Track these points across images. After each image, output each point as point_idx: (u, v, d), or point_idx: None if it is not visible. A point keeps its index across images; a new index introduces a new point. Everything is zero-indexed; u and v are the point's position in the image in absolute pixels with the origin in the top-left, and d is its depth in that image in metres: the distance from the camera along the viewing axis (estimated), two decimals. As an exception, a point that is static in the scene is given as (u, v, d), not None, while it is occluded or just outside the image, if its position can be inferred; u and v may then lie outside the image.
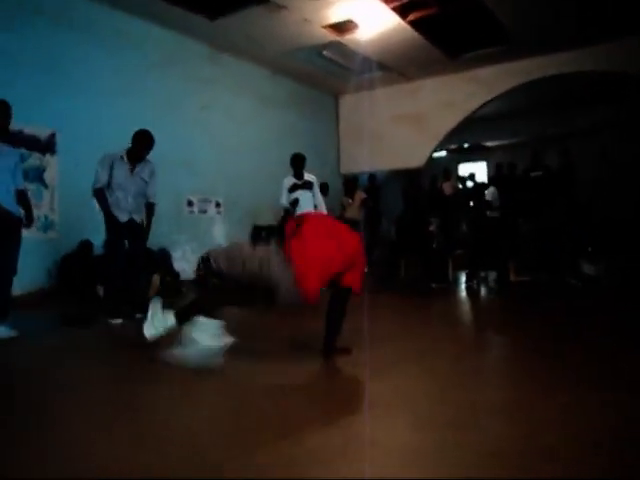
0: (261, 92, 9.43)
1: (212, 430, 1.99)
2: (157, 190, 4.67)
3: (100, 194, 4.39)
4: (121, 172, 4.39)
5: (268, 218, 8.05)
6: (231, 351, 3.12)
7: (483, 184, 9.01)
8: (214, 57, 8.43)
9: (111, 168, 4.35)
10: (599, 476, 1.52)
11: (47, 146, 6.06)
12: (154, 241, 6.15)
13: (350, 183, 9.15)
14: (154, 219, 4.78)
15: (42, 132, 6.00)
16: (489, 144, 13.96)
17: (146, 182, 4.52)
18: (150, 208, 4.66)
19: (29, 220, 4.02)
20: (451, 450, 1.69)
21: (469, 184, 8.85)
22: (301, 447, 1.77)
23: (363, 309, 4.43)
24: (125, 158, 4.41)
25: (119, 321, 4.38)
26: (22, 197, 3.99)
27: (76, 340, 3.92)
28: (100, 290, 5.30)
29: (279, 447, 1.77)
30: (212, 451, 1.78)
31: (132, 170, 4.44)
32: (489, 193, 7.27)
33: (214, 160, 8.30)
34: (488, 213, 6.97)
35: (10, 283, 3.95)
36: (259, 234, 7.50)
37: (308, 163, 6.47)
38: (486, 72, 9.59)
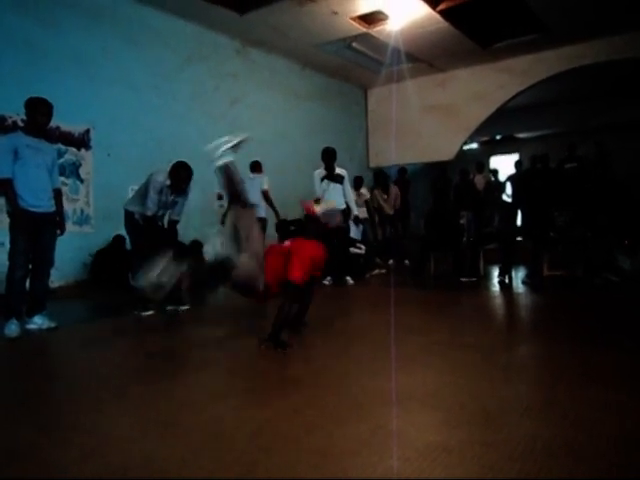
0: (290, 86, 9.44)
1: (239, 422, 2.02)
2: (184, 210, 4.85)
3: (151, 221, 4.54)
4: (164, 198, 4.54)
5: (296, 212, 8.08)
6: (255, 342, 3.15)
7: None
8: (243, 52, 8.48)
9: (160, 193, 4.48)
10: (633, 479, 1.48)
11: (82, 141, 6.22)
12: (185, 234, 6.27)
13: (383, 177, 9.10)
14: (185, 211, 4.93)
15: (77, 128, 6.15)
16: (521, 135, 13.65)
17: (177, 202, 4.68)
18: (173, 225, 4.82)
19: (61, 228, 4.11)
20: (477, 448, 1.67)
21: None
22: (329, 439, 1.78)
23: (392, 303, 4.41)
24: (169, 189, 4.52)
25: (150, 313, 4.48)
26: (58, 198, 4.09)
27: (110, 331, 4.02)
28: (132, 280, 5.41)
29: (308, 438, 1.78)
30: (242, 444, 1.80)
31: (174, 199, 4.62)
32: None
33: (243, 154, 8.29)
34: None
35: (48, 275, 4.08)
36: (287, 228, 7.51)
37: (337, 157, 6.45)
38: (519, 62, 9.36)
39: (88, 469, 1.61)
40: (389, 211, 8.81)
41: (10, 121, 5.45)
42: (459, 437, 1.76)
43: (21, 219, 3.74)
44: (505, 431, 1.80)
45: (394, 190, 8.89)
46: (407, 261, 8.49)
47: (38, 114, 3.84)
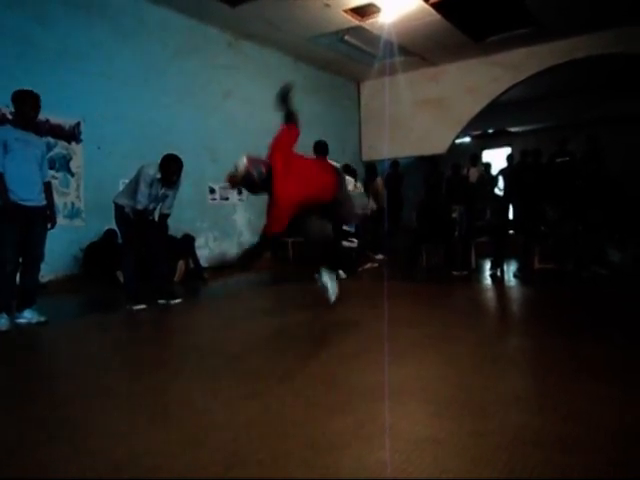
0: (282, 79, 9.29)
1: (230, 415, 2.02)
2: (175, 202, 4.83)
3: (142, 215, 4.51)
4: (155, 191, 4.51)
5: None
6: (248, 333, 3.15)
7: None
8: (235, 44, 8.42)
9: (150, 187, 4.45)
10: (618, 469, 1.50)
11: (72, 135, 6.15)
12: (177, 228, 6.24)
13: (372, 170, 9.16)
14: (177, 204, 4.90)
15: (67, 121, 6.09)
16: (514, 129, 13.68)
17: (167, 196, 4.65)
18: (164, 218, 4.79)
19: (52, 221, 4.07)
20: (467, 439, 1.68)
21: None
22: (320, 431, 1.79)
23: (384, 296, 4.42)
24: (160, 182, 4.50)
25: (142, 307, 4.46)
26: (48, 191, 4.05)
27: (101, 326, 4.01)
28: (120, 276, 5.39)
29: (299, 431, 1.79)
30: (233, 438, 1.80)
31: (164, 192, 4.59)
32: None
33: (235, 147, 8.29)
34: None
35: (38, 269, 4.05)
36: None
37: (329, 150, 6.43)
38: (511, 56, 9.36)
39: (79, 466, 1.60)
40: (372, 204, 8.85)
41: (-1, 114, 5.39)
42: (449, 429, 1.77)
43: (12, 213, 3.70)
44: (495, 422, 1.81)
45: (378, 182, 8.94)
46: (380, 255, 8.52)
47: (26, 107, 3.79)
